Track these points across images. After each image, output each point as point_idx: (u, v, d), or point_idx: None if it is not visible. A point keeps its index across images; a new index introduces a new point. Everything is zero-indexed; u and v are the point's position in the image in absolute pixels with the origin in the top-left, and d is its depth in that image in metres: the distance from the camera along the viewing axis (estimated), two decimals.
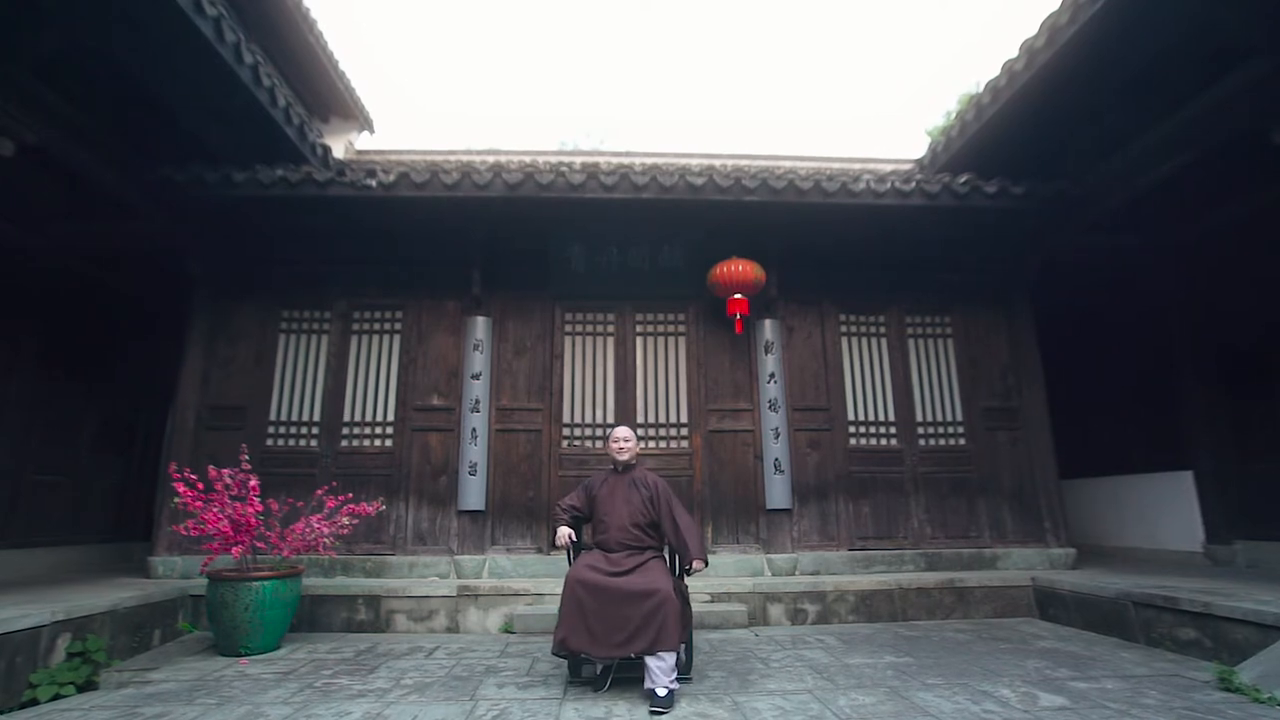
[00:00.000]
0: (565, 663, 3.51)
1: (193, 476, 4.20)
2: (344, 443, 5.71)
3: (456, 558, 5.42)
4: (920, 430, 6.03)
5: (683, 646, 3.36)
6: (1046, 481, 5.88)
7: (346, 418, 5.77)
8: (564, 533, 3.57)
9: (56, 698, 3.35)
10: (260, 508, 4.30)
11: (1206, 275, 5.98)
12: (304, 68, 8.23)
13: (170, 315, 6.54)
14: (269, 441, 5.65)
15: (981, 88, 5.18)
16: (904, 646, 4.20)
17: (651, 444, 5.84)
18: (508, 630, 4.78)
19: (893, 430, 6.02)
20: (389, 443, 5.73)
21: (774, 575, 5.45)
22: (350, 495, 4.64)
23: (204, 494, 4.19)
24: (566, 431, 5.89)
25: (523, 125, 36.22)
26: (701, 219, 5.66)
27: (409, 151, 9.60)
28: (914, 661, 3.82)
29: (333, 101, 9.20)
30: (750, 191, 5.25)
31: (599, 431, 5.86)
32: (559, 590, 3.39)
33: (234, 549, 4.18)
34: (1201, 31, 4.11)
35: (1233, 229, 5.60)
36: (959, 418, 6.07)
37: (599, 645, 3.15)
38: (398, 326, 5.99)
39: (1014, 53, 4.71)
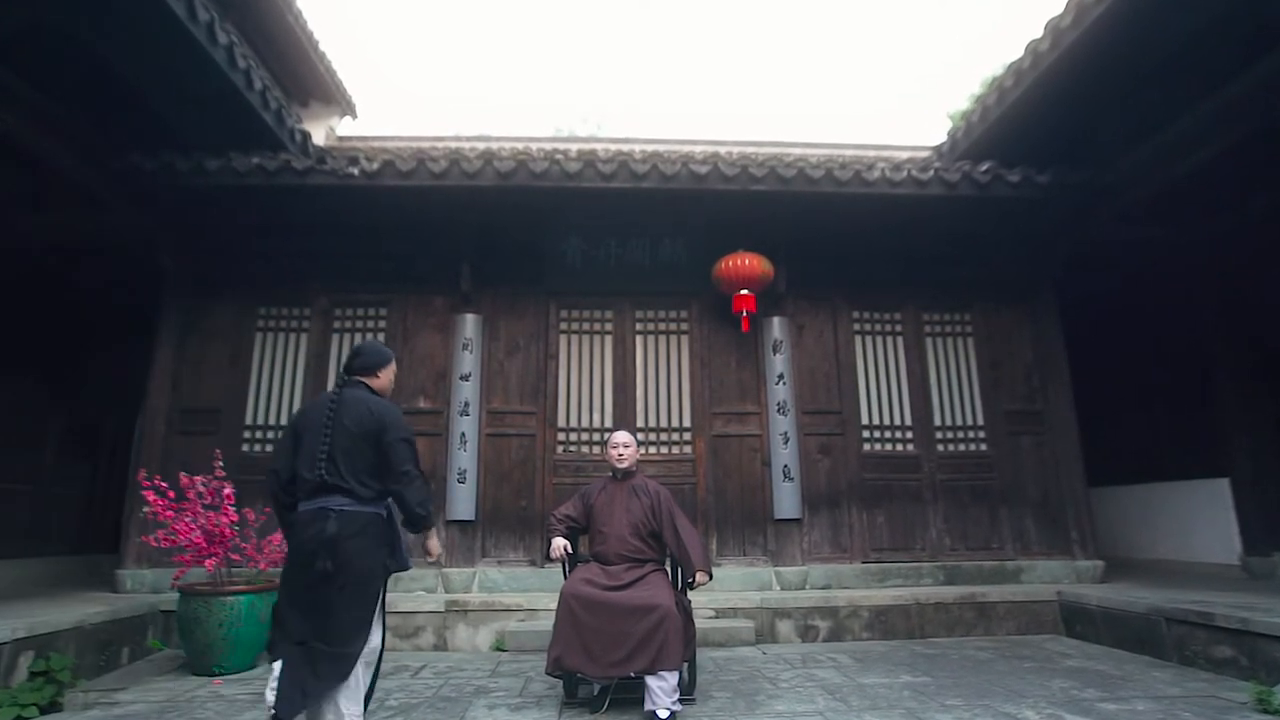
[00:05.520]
0: (560, 683, 3.51)
1: (163, 484, 4.21)
2: None
3: (444, 571, 5.42)
4: (939, 435, 6.03)
5: (685, 665, 3.37)
6: (1073, 489, 5.88)
7: None
8: (559, 544, 3.57)
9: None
10: (235, 517, 4.30)
11: (1244, 269, 5.98)
12: (282, 49, 8.23)
13: (140, 313, 6.53)
14: (245, 447, 5.65)
15: (1005, 69, 5.18)
16: (922, 665, 4.20)
17: (652, 449, 5.84)
18: (499, 648, 4.78)
19: (909, 435, 6.03)
20: None
21: (783, 589, 5.45)
22: None
23: (175, 503, 4.19)
24: (562, 436, 5.89)
25: (515, 110, 36.23)
26: (705, 210, 5.66)
27: (394, 138, 9.59)
28: (932, 681, 3.82)
29: (313, 85, 9.19)
30: (758, 181, 5.25)
31: (596, 436, 5.86)
32: (553, 605, 3.39)
33: (207, 561, 4.18)
34: (1237, 10, 4.11)
35: (1273, 220, 5.60)
36: (980, 421, 6.07)
37: (596, 664, 3.15)
38: (382, 325, 5.99)
39: (1039, 33, 4.71)
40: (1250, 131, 4.57)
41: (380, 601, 2.71)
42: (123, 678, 4.04)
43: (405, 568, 2.85)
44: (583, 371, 6.04)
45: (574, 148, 7.64)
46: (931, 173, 5.36)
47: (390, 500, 2.78)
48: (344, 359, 3.05)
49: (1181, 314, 6.46)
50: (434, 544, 3.01)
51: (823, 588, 5.48)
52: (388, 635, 4.56)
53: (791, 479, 5.67)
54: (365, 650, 2.63)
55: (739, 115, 34.40)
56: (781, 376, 5.86)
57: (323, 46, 8.73)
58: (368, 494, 2.67)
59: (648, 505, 3.62)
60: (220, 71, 4.51)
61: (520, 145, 8.66)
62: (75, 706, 3.54)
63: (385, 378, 2.99)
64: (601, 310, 6.17)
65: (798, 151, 8.37)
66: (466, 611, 4.92)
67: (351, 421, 2.70)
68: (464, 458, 5.57)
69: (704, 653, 4.31)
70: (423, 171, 5.17)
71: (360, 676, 2.64)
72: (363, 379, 2.91)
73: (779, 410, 5.80)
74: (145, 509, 4.21)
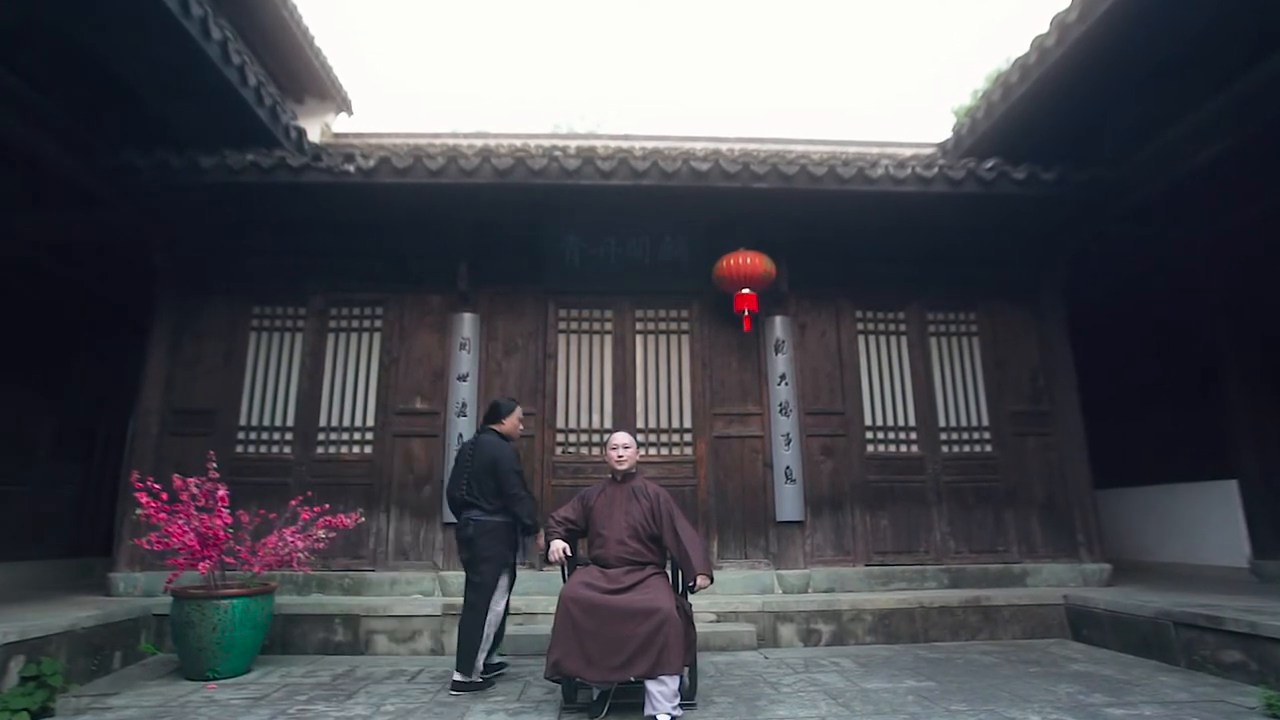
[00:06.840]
0: (559, 687, 3.51)
1: (156, 486, 4.20)
2: (320, 449, 5.71)
3: (442, 574, 5.42)
4: (943, 436, 6.03)
5: (686, 670, 3.36)
6: (1080, 491, 5.87)
7: (323, 422, 5.77)
8: (558, 547, 3.57)
9: None
10: (229, 519, 4.30)
11: (1254, 268, 5.97)
12: (277, 44, 8.23)
13: (134, 312, 6.54)
14: (239, 448, 5.65)
15: (1010, 65, 5.18)
16: (926, 670, 4.20)
17: (652, 451, 5.83)
18: None
19: (913, 436, 6.02)
20: (368, 449, 5.73)
21: (785, 593, 5.45)
22: (327, 506, 4.64)
23: (168, 505, 4.18)
24: (560, 437, 5.89)
25: (513, 106, 36.27)
26: (707, 208, 5.66)
27: (390, 135, 9.60)
28: (937, 686, 3.82)
29: (308, 81, 9.20)
30: (759, 178, 5.25)
31: (596, 437, 5.86)
32: (552, 609, 3.39)
33: (201, 564, 4.17)
34: (1242, 7, 4.11)
35: None
36: (985, 422, 6.07)
37: (595, 668, 3.15)
38: (378, 324, 5.99)
39: (1045, 28, 4.71)
40: (1257, 128, 4.56)
41: (500, 582, 3.95)
42: (115, 682, 4.04)
43: (519, 563, 4.11)
44: (582, 372, 6.04)
45: (573, 145, 7.65)
46: (936, 170, 5.35)
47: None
48: (483, 414, 4.37)
49: (1188, 313, 6.46)
50: (540, 543, 3.89)
51: (825, 591, 5.48)
52: (385, 639, 4.71)
53: (794, 481, 5.66)
54: (490, 615, 3.87)
55: (740, 112, 34.45)
56: (784, 377, 5.86)
57: (318, 42, 8.73)
58: (492, 508, 3.97)
59: (648, 508, 3.62)
60: (214, 67, 4.51)
61: (518, 142, 8.66)
62: (67, 711, 3.54)
63: (510, 423, 4.22)
64: (601, 310, 6.16)
65: (800, 148, 8.38)
66: None
67: (480, 459, 4.02)
68: None
69: (705, 657, 4.31)
70: (419, 169, 5.16)
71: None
72: (493, 426, 4.17)
73: (781, 411, 5.79)
74: (138, 511, 4.19)
